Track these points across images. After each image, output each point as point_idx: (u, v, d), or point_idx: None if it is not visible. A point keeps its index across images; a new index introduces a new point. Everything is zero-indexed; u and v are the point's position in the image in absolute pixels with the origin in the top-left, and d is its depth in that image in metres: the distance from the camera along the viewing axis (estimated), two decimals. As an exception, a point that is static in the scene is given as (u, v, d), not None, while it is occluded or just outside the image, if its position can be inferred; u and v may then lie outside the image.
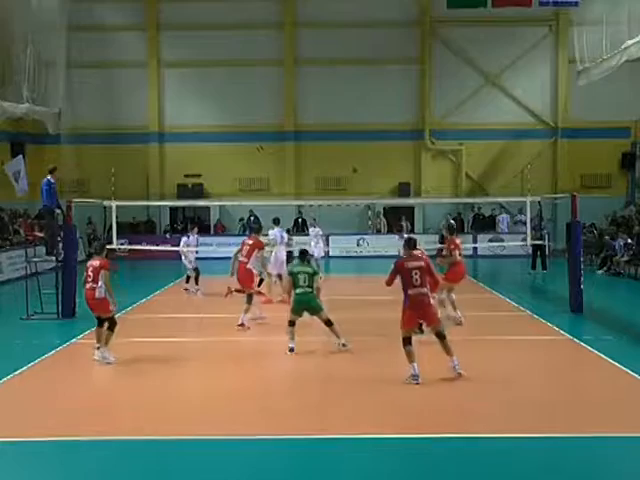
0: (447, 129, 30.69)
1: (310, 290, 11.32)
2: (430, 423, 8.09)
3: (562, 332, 12.89)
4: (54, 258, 15.42)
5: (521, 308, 15.61)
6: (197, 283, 18.08)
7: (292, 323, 11.45)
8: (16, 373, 10.22)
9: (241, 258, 13.75)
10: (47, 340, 12.48)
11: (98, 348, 10.95)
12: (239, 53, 30.18)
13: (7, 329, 13.87)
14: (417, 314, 9.86)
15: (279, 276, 16.47)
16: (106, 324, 10.96)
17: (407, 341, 9.73)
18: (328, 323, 11.44)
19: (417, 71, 30.71)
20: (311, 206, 27.77)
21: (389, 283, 10.07)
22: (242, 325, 13.23)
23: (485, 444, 7.43)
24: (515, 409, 8.56)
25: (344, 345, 11.39)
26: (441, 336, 9.86)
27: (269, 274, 16.18)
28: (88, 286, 10.87)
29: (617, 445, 7.43)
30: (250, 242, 13.91)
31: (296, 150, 30.79)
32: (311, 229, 22.72)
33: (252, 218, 29.55)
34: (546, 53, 30.75)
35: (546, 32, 30.62)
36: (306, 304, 11.38)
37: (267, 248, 15.66)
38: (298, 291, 11.35)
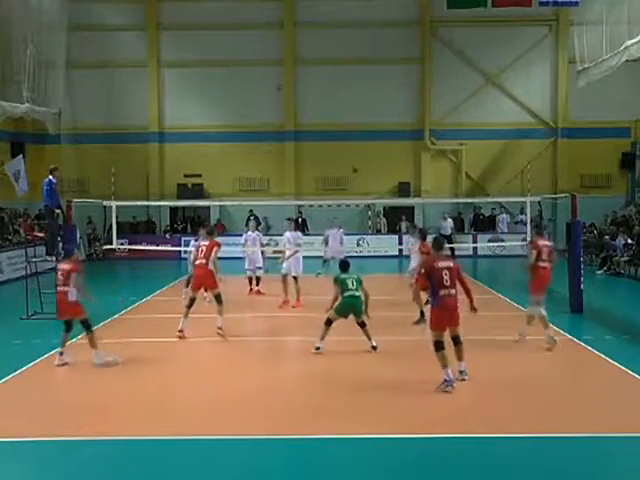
0: (447, 129, 30.69)
1: (358, 294, 11.44)
2: (430, 423, 8.09)
3: (562, 332, 12.88)
4: (54, 258, 15.41)
5: (521, 308, 15.59)
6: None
7: (330, 322, 11.45)
8: (16, 373, 10.22)
9: (200, 260, 13.09)
10: (47, 340, 12.48)
11: (61, 354, 10.89)
12: (239, 53, 30.19)
13: (7, 329, 13.87)
14: (445, 315, 9.48)
15: (295, 278, 16.29)
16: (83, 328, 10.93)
17: (439, 345, 9.35)
18: (362, 325, 11.57)
19: (417, 71, 30.71)
20: (314, 206, 27.64)
21: (424, 286, 10.11)
22: (220, 330, 12.78)
23: (485, 444, 7.43)
24: (515, 409, 8.56)
25: (374, 347, 11.49)
26: (457, 341, 9.67)
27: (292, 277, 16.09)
28: (59, 289, 10.94)
29: (617, 445, 7.44)
30: (206, 243, 13.32)
31: (296, 150, 30.79)
32: (330, 231, 19.84)
33: (252, 218, 29.58)
34: (546, 53, 30.75)
35: (546, 32, 30.62)
36: (353, 307, 11.43)
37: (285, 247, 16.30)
38: (347, 294, 11.37)
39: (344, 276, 11.60)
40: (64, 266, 11.12)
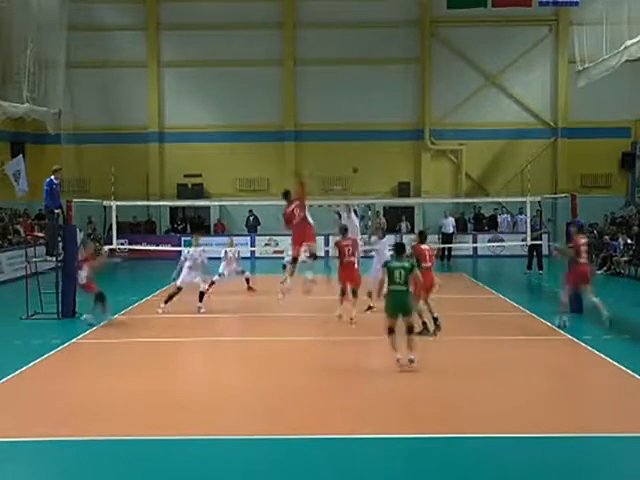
0: (447, 129, 30.68)
1: (406, 288, 10.31)
2: (430, 423, 8.09)
3: (562, 332, 12.89)
4: (54, 258, 15.40)
5: (521, 308, 15.61)
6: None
7: (391, 331, 10.28)
8: (16, 373, 10.22)
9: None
10: (47, 340, 12.48)
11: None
12: (239, 53, 30.18)
13: (7, 329, 13.86)
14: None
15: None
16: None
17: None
18: (410, 330, 10.33)
19: (417, 71, 30.70)
20: (314, 206, 27.56)
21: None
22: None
23: (485, 444, 7.43)
24: (515, 409, 8.56)
25: (411, 361, 10.17)
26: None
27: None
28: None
29: (617, 445, 7.44)
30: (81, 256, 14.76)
31: (296, 150, 30.78)
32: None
33: (252, 218, 29.59)
34: (546, 53, 30.74)
35: (546, 32, 30.61)
36: (401, 305, 10.31)
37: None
38: (394, 288, 10.28)
39: (394, 264, 10.42)
40: (80, 256, 14.18)
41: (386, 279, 10.43)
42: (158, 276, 23.07)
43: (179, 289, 15.32)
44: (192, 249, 15.72)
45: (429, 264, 12.36)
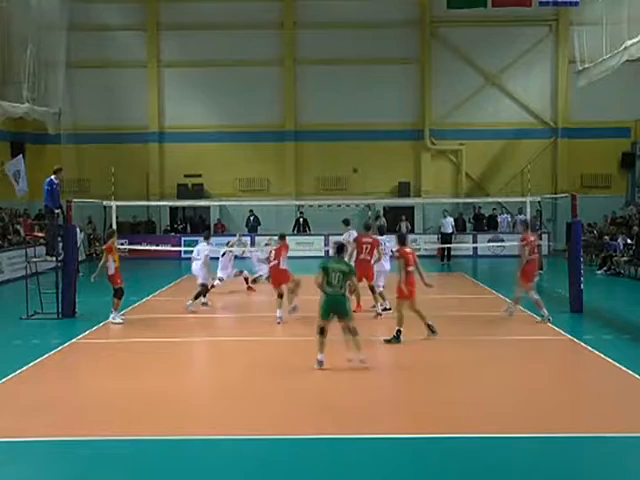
0: (447, 129, 30.69)
1: (342, 292, 10.23)
2: (430, 423, 8.09)
3: (562, 332, 12.89)
4: (54, 258, 15.40)
5: (521, 308, 15.59)
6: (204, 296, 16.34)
7: (322, 331, 10.20)
8: (16, 373, 10.22)
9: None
10: (47, 340, 12.49)
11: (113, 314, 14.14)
12: (239, 53, 30.19)
13: (7, 329, 13.86)
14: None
15: None
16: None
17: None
18: (353, 332, 10.22)
19: (417, 71, 30.71)
20: (314, 206, 27.43)
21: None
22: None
23: (485, 444, 7.43)
24: (515, 409, 8.56)
25: (362, 361, 10.17)
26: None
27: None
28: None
29: (617, 445, 7.44)
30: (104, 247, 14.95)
31: (296, 150, 30.78)
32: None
33: (252, 218, 29.58)
34: (546, 53, 30.75)
35: (546, 32, 30.63)
36: (335, 306, 10.25)
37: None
38: (328, 291, 10.20)
39: (331, 265, 10.30)
40: (104, 246, 14.45)
41: (322, 280, 10.22)
42: (158, 276, 23.13)
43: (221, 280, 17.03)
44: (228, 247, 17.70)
45: (413, 267, 12.22)
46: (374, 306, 14.76)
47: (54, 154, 27.44)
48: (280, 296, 14.07)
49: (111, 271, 14.05)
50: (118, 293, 14.12)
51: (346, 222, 16.66)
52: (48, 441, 7.57)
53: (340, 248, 10.74)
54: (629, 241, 22.40)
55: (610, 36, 21.64)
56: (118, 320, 14.07)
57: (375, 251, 14.43)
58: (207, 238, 16.59)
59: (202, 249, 16.03)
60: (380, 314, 14.39)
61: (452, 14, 27.48)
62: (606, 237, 23.85)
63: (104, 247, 14.42)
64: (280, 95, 30.74)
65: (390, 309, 14.25)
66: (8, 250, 22.21)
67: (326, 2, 29.94)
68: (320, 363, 10.16)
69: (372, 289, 14.54)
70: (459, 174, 30.91)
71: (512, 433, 7.70)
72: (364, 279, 14.15)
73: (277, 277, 14.33)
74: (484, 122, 30.48)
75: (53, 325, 14.29)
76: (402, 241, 12.44)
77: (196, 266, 15.99)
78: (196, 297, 15.46)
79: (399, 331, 11.96)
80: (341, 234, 16.35)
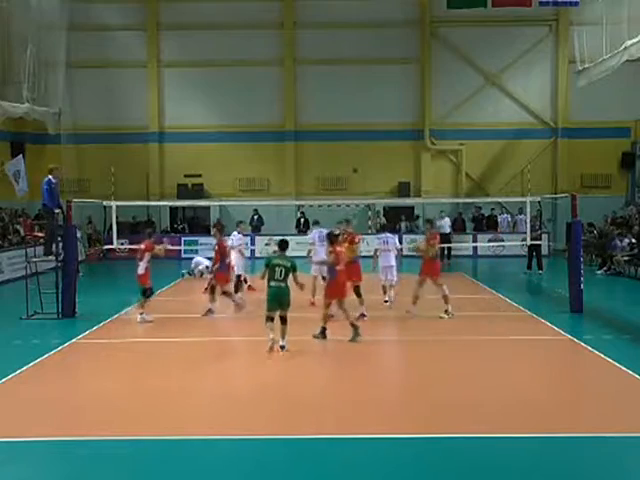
0: (447, 129, 30.69)
1: (285, 285, 11.25)
2: (429, 423, 8.08)
3: (562, 332, 12.89)
4: (54, 258, 15.38)
5: (521, 308, 15.60)
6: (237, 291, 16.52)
7: (269, 319, 11.37)
8: (16, 373, 10.21)
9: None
10: (47, 340, 12.48)
11: (141, 314, 14.09)
12: (239, 53, 30.20)
13: (7, 329, 13.85)
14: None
15: (323, 278, 16.18)
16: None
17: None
18: (283, 321, 11.37)
19: (417, 71, 30.72)
20: (314, 206, 27.38)
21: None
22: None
23: (485, 444, 7.43)
24: (515, 409, 8.55)
25: (283, 347, 11.25)
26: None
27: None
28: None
29: (617, 445, 7.43)
30: (142, 246, 14.53)
31: (296, 150, 30.79)
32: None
33: (256, 217, 29.56)
34: (546, 53, 30.76)
35: (546, 32, 30.64)
36: (279, 298, 11.29)
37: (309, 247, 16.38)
38: (273, 284, 11.24)
39: (275, 262, 11.31)
40: (141, 246, 14.26)
41: (266, 275, 11.28)
42: (158, 276, 23.10)
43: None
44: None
45: (342, 267, 12.29)
46: (386, 301, 15.35)
47: (54, 154, 27.46)
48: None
49: (141, 271, 14.14)
50: (147, 292, 14.23)
51: (316, 222, 17.08)
52: (48, 441, 7.57)
53: (283, 245, 11.59)
54: (629, 241, 22.38)
55: (610, 36, 21.64)
56: (148, 318, 14.09)
57: (353, 247, 14.43)
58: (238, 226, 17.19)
59: (236, 239, 16.24)
60: (364, 315, 13.98)
61: (452, 14, 27.48)
62: (615, 235, 23.35)
63: (143, 246, 14.26)
64: (280, 95, 30.75)
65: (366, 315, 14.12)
66: (8, 250, 22.20)
67: (326, 2, 29.95)
68: (273, 340, 11.20)
69: (357, 291, 14.25)
70: (459, 174, 30.92)
71: (512, 433, 7.70)
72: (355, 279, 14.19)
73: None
74: (484, 122, 30.49)
75: (53, 325, 14.28)
76: (333, 240, 12.46)
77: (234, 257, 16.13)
78: (236, 290, 15.78)
79: (324, 328, 12.14)
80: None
